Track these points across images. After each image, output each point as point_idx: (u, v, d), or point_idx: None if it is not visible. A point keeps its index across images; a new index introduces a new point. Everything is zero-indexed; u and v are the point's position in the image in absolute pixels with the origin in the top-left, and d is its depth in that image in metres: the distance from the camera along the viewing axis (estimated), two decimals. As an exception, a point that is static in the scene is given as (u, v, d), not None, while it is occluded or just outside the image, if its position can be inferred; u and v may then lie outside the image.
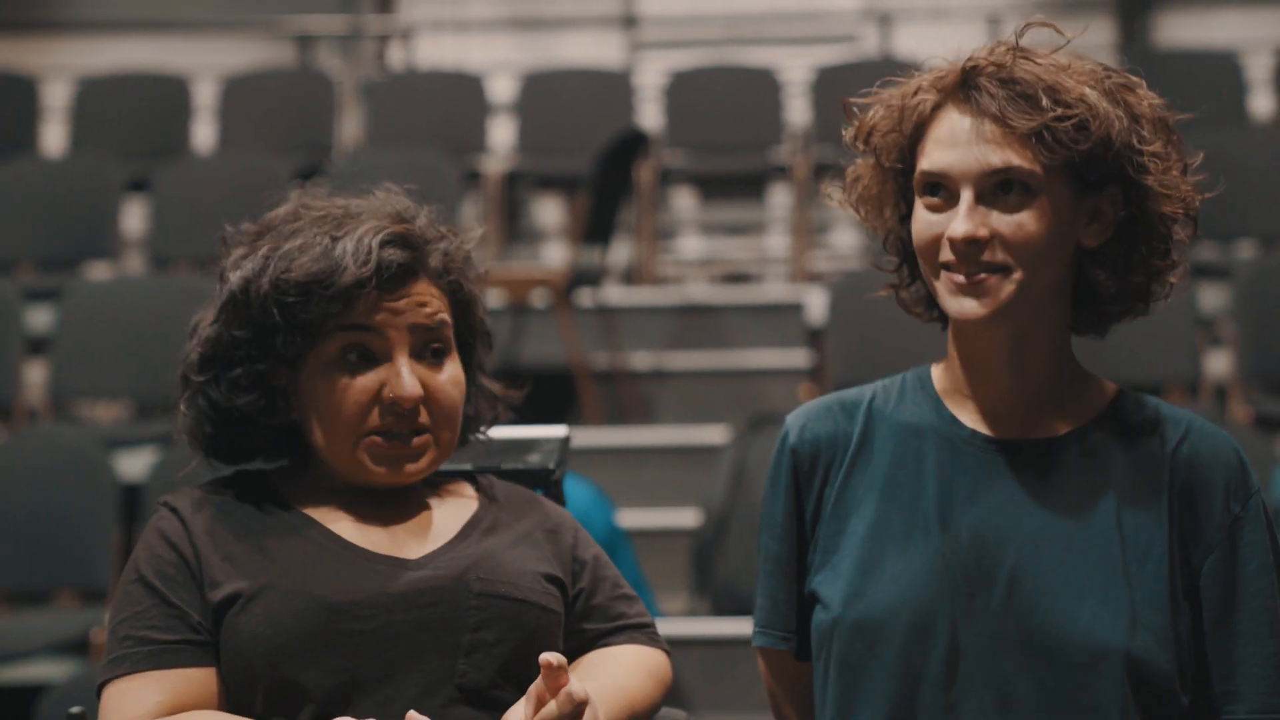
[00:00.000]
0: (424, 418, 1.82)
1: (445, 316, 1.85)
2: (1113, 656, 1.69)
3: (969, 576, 1.74)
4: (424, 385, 1.82)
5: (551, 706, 1.65)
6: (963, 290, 1.72)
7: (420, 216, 1.88)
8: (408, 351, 1.82)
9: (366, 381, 1.81)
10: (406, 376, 1.81)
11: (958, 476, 1.78)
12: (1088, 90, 1.71)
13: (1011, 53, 1.74)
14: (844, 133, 1.84)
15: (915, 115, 1.76)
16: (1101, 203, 1.74)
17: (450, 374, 1.85)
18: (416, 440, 1.83)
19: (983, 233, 1.70)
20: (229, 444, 1.88)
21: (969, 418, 1.80)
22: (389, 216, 1.85)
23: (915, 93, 1.76)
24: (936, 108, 1.75)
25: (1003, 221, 1.70)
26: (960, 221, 1.70)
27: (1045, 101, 1.69)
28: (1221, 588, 1.74)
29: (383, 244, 1.81)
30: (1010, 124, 1.69)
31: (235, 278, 1.83)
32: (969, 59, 1.74)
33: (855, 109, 1.83)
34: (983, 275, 1.71)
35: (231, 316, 1.83)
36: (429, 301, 1.84)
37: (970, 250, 1.70)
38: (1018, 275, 1.71)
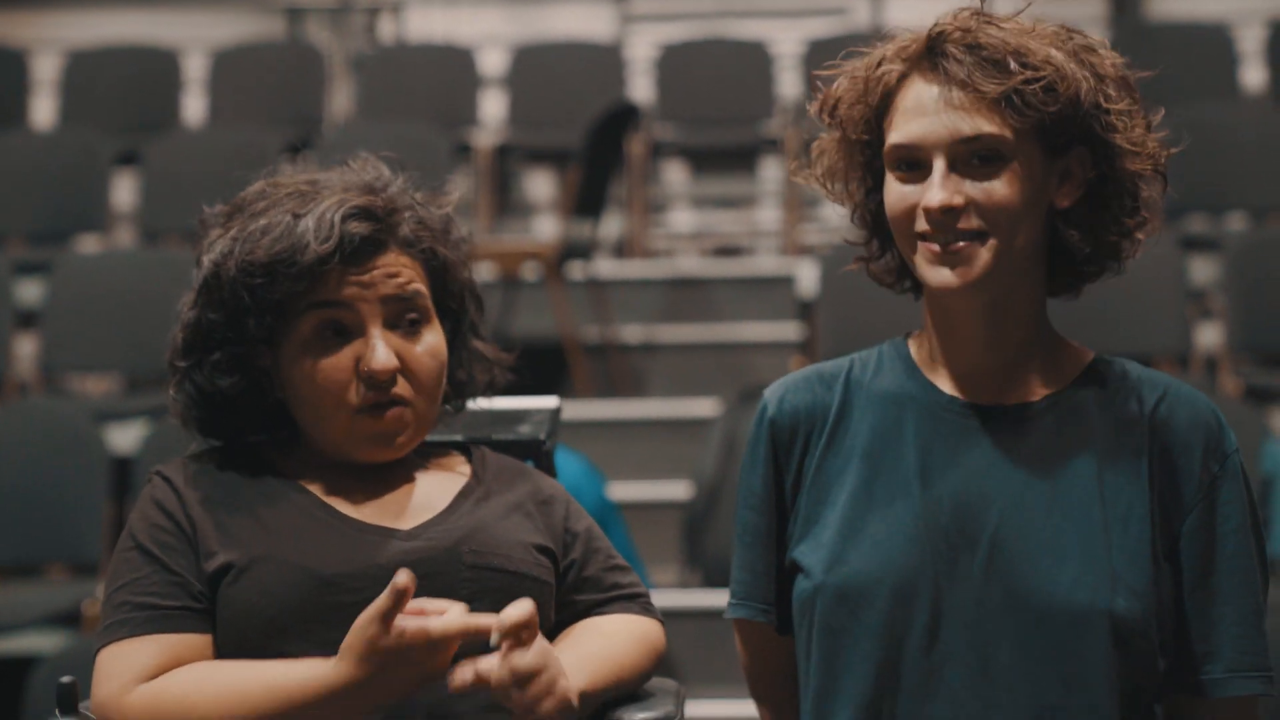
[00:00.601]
0: (400, 388, 1.82)
1: (419, 286, 1.84)
2: (1096, 618, 1.70)
3: (951, 541, 1.74)
4: (400, 356, 1.81)
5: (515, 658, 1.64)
6: (940, 260, 1.72)
7: (392, 185, 1.87)
8: (381, 323, 1.82)
9: (342, 358, 1.81)
10: (380, 349, 1.80)
11: (937, 442, 1.78)
12: (1054, 51, 1.71)
13: (976, 18, 1.74)
14: (809, 106, 1.84)
15: (881, 86, 1.75)
16: (1071, 164, 1.74)
17: (428, 344, 1.84)
18: (391, 413, 1.82)
19: (958, 200, 1.70)
20: (220, 424, 1.88)
21: (948, 384, 1.80)
22: (356, 189, 1.84)
23: (879, 64, 1.76)
24: (903, 78, 1.75)
25: (977, 189, 1.71)
26: (935, 191, 1.70)
27: (1013, 65, 1.69)
28: (1200, 548, 1.75)
29: (345, 218, 1.80)
30: (979, 89, 1.69)
31: (207, 261, 1.83)
32: (934, 26, 1.74)
33: (820, 82, 1.82)
34: (960, 244, 1.71)
35: (207, 300, 1.82)
36: (400, 271, 1.83)
37: (946, 219, 1.71)
38: (994, 241, 1.71)
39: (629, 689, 1.84)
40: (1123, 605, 1.71)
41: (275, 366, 1.84)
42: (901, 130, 1.73)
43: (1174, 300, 4.87)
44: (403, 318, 1.83)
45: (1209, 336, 5.35)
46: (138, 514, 1.82)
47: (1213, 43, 6.65)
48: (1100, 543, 1.73)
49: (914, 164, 1.73)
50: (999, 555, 1.73)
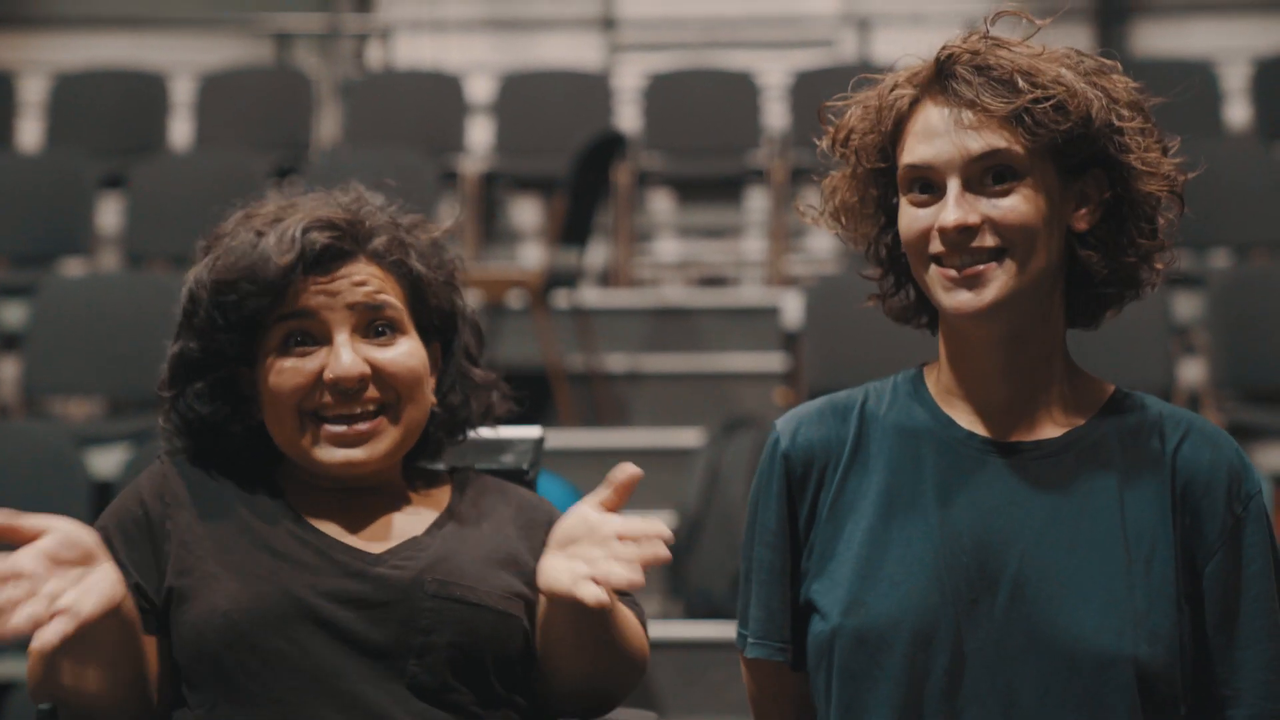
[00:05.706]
0: (375, 393, 1.81)
1: (389, 297, 1.84)
2: (1120, 663, 1.67)
3: (971, 582, 1.71)
4: (371, 362, 1.81)
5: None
6: (958, 284, 1.69)
7: (367, 205, 1.88)
8: (349, 331, 1.82)
9: (306, 364, 1.81)
10: (345, 354, 1.80)
11: (956, 479, 1.75)
12: (1064, 71, 1.70)
13: (985, 40, 1.72)
14: (819, 141, 1.82)
15: (894, 112, 1.73)
16: (1086, 186, 1.72)
17: (402, 349, 1.84)
18: (368, 424, 1.81)
19: (973, 219, 1.68)
20: (207, 452, 1.88)
21: (965, 419, 1.77)
22: (326, 206, 1.86)
23: (892, 89, 1.74)
24: (914, 102, 1.73)
25: (992, 207, 1.68)
26: (950, 210, 1.68)
27: (1022, 84, 1.68)
28: (1223, 591, 1.72)
29: (305, 230, 1.81)
30: (988, 109, 1.67)
31: (183, 291, 1.85)
32: (943, 49, 1.72)
33: (831, 114, 1.81)
34: (979, 266, 1.68)
35: (186, 329, 1.84)
36: (368, 280, 1.84)
37: (962, 239, 1.68)
38: (1011, 261, 1.68)
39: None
40: (1147, 650, 1.68)
41: (253, 389, 1.85)
42: (915, 152, 1.71)
43: (1158, 336, 4.88)
44: (373, 327, 1.83)
45: (1192, 372, 5.36)
46: (121, 495, 1.84)
47: (1198, 80, 6.67)
48: (1123, 584, 1.70)
49: (927, 186, 1.71)
50: (1021, 597, 1.70)
